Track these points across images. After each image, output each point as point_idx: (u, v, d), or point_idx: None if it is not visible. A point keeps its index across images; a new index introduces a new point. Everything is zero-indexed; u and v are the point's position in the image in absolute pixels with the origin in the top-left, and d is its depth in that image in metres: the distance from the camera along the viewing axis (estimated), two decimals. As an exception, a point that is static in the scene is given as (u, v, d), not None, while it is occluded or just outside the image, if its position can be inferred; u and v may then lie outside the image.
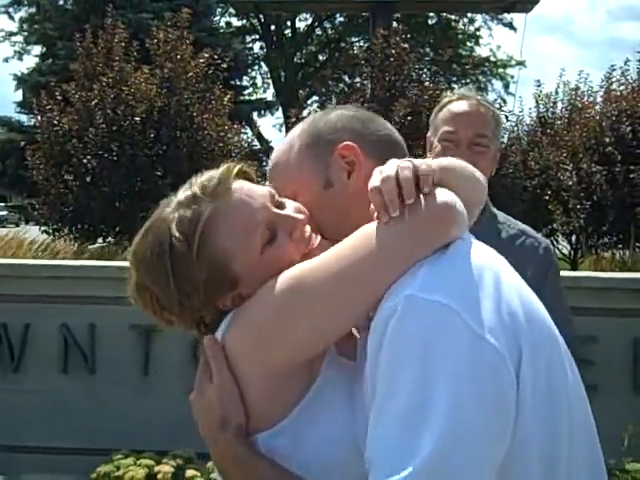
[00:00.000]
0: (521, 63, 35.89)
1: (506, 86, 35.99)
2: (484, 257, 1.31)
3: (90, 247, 10.79)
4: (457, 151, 2.37)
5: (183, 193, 1.42)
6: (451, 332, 1.19)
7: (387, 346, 1.20)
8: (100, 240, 11.94)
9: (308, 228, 1.42)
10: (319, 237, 1.42)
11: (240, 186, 1.41)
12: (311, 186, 1.44)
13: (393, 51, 12.74)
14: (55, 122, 11.87)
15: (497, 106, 14.19)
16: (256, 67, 32.29)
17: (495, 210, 2.52)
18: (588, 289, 4.88)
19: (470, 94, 2.55)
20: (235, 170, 1.43)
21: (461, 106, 2.49)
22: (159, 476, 4.22)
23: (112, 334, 5.00)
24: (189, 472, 4.30)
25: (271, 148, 29.28)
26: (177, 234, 1.36)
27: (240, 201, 1.38)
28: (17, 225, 26.16)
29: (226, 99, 12.70)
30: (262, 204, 1.39)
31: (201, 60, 12.52)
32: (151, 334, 4.97)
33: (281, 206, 1.42)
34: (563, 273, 6.83)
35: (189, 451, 4.49)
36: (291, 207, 1.42)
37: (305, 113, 16.25)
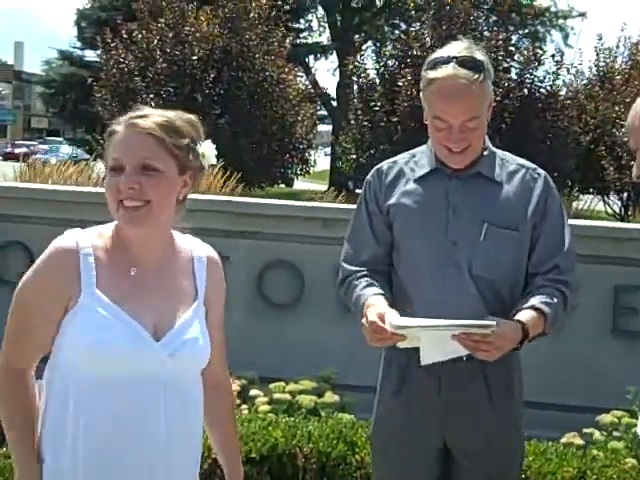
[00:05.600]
0: (583, 14, 35.13)
1: (565, 37, 35.31)
2: None
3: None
4: (450, 136, 2.42)
5: None
6: None
7: None
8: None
9: None
10: None
11: None
12: None
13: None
14: (121, 60, 12.15)
15: (558, 58, 14.17)
16: (313, 10, 32.15)
17: (494, 148, 2.58)
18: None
19: (457, 71, 2.40)
20: None
21: (449, 90, 2.40)
22: (226, 393, 4.56)
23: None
24: (252, 391, 4.63)
25: (327, 93, 29.25)
26: None
27: None
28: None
29: (287, 41, 12.83)
30: None
31: (263, 1, 12.64)
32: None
33: None
34: (615, 224, 6.98)
35: (252, 374, 4.83)
36: None
37: (359, 59, 16.27)
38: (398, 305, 2.48)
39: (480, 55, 2.47)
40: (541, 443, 3.82)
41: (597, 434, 4.28)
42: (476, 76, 2.40)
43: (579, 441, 4.19)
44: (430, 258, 2.49)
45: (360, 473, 3.69)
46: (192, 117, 1.97)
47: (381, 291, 2.53)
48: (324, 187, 18.30)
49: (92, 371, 1.83)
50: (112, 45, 12.27)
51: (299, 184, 22.08)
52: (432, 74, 2.44)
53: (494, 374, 2.48)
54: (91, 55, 29.78)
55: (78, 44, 32.53)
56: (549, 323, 2.45)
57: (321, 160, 31.99)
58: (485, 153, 2.53)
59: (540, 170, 2.58)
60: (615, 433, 4.25)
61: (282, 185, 16.54)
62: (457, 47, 2.48)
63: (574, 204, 15.51)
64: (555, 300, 2.45)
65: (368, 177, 2.66)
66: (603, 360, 4.98)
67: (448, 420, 2.51)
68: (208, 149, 1.96)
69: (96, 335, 1.82)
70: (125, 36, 12.39)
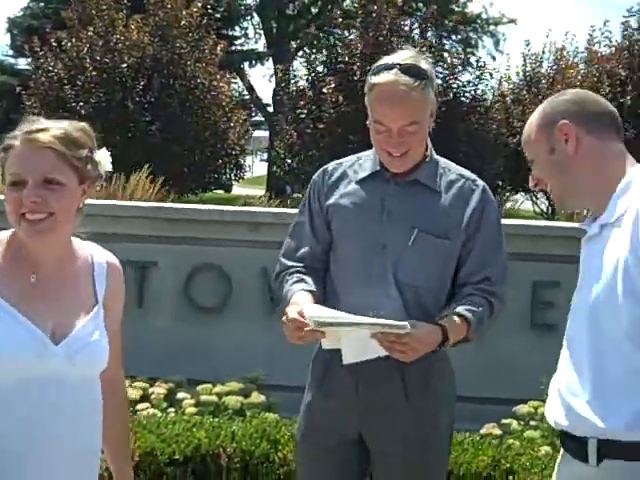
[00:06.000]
0: (512, 21, 35.87)
1: (496, 43, 36.01)
2: None
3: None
4: (390, 140, 2.49)
5: None
6: None
7: None
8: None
9: None
10: None
11: None
12: (541, 152, 2.10)
13: (375, 7, 12.91)
14: (50, 68, 12.05)
15: (481, 64, 14.53)
16: (248, 17, 32.18)
17: (437, 157, 2.65)
18: (559, 237, 5.28)
19: (398, 77, 2.47)
20: None
21: (389, 95, 2.47)
22: (153, 397, 4.59)
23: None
24: (180, 394, 4.67)
25: (259, 99, 29.32)
26: None
27: None
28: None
29: (219, 49, 12.88)
30: None
31: (194, 9, 12.68)
32: (146, 269, 5.27)
33: None
34: (534, 222, 7.22)
35: (179, 377, 4.87)
36: None
37: (295, 65, 16.41)
38: (327, 304, 2.53)
39: (425, 64, 2.54)
40: (459, 434, 3.94)
41: (515, 424, 4.43)
42: (417, 83, 2.46)
43: (497, 431, 4.33)
44: (361, 259, 2.55)
45: (283, 470, 3.75)
46: (85, 126, 2.01)
47: (311, 288, 2.58)
48: (263, 192, 18.37)
49: None
50: (41, 53, 12.17)
51: (238, 189, 22.10)
52: (374, 79, 2.52)
53: (411, 373, 2.52)
54: (23, 63, 29.31)
55: (11, 52, 31.96)
56: (472, 330, 2.50)
57: (260, 165, 32.02)
58: (426, 160, 2.59)
59: (480, 181, 2.63)
60: (532, 422, 4.41)
61: (220, 191, 16.50)
62: (403, 55, 2.55)
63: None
64: (480, 309, 2.50)
65: (314, 177, 2.73)
66: (523, 353, 5.15)
67: (366, 419, 2.56)
68: (104, 157, 2.02)
69: None
70: (54, 44, 12.29)
